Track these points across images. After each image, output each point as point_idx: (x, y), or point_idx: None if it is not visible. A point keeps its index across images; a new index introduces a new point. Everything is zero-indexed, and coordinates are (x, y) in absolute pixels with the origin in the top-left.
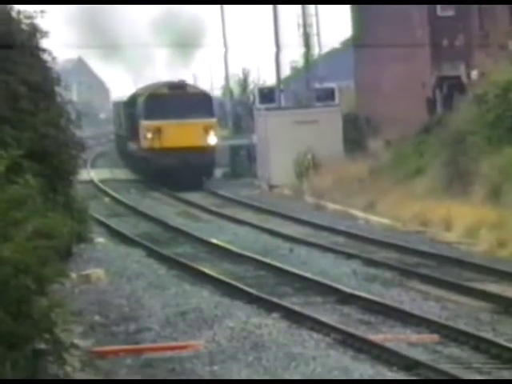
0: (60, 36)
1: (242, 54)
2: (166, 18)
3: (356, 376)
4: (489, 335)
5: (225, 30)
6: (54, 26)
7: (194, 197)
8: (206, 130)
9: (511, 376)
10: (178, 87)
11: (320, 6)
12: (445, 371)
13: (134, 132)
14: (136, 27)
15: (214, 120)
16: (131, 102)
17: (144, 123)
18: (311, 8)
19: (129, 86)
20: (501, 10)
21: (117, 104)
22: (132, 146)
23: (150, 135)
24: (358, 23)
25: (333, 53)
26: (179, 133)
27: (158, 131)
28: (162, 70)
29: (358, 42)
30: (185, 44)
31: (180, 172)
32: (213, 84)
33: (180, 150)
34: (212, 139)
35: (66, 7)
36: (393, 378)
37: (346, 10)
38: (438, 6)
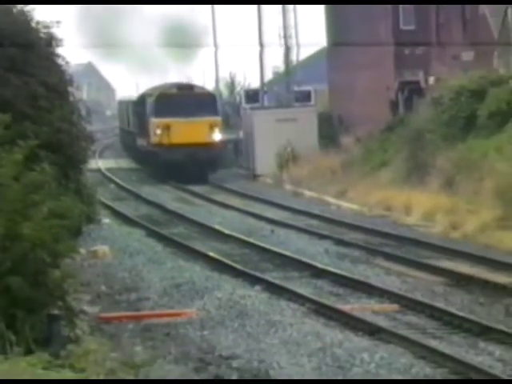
0: (72, 40)
1: (230, 60)
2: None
3: (325, 338)
4: (442, 305)
5: (216, 41)
6: (66, 31)
7: (188, 184)
8: (212, 128)
9: (460, 339)
10: (186, 88)
11: (299, 19)
12: (404, 336)
13: (143, 128)
14: (140, 30)
15: (218, 118)
16: (140, 101)
17: (154, 120)
18: (291, 20)
19: (132, 87)
20: (455, 26)
21: (122, 102)
22: (141, 141)
23: (159, 131)
24: (333, 33)
25: (309, 60)
26: (186, 130)
27: (166, 128)
28: (161, 72)
29: (332, 50)
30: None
31: (187, 166)
32: (205, 86)
33: (187, 146)
34: (217, 136)
35: (77, 12)
36: (359, 342)
37: (321, 20)
38: (401, 20)
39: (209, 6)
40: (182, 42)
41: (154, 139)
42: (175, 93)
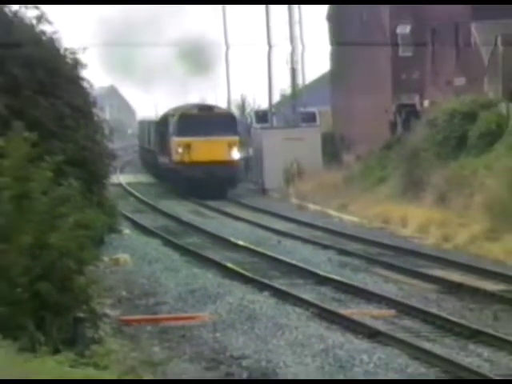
0: (96, 65)
1: (241, 83)
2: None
3: (328, 340)
4: (434, 310)
5: (228, 66)
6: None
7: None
8: (230, 146)
9: (451, 342)
10: (207, 108)
11: (307, 50)
12: (400, 339)
13: (164, 147)
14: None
15: (237, 137)
16: (163, 121)
17: (176, 139)
18: (298, 49)
19: (151, 108)
20: (449, 53)
21: (142, 122)
22: (162, 159)
23: (180, 150)
24: (336, 61)
25: (314, 84)
26: (206, 148)
27: (187, 146)
28: (175, 94)
29: (335, 76)
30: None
31: (206, 183)
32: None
33: (207, 164)
34: (235, 154)
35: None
36: (358, 344)
37: (326, 46)
38: (400, 48)
39: (222, 33)
40: (197, 64)
41: (175, 157)
42: (196, 113)
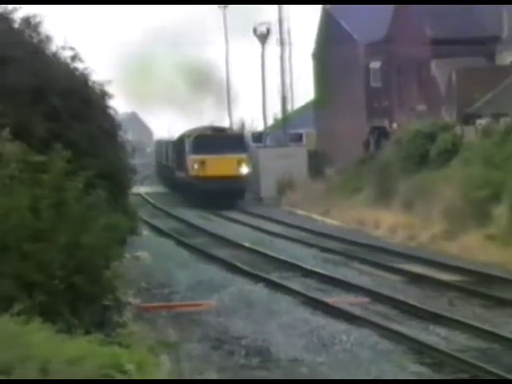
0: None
1: (240, 109)
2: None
3: (313, 323)
4: (401, 297)
5: (229, 94)
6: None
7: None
8: (239, 163)
9: (415, 323)
10: (219, 130)
11: (295, 81)
12: (372, 321)
13: (181, 164)
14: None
15: (245, 155)
16: (179, 141)
17: (192, 157)
18: (287, 80)
19: (165, 130)
20: (412, 84)
21: (160, 142)
22: (179, 174)
23: (196, 166)
24: (319, 90)
25: (301, 110)
26: (219, 165)
27: (202, 163)
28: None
29: (318, 103)
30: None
31: (219, 195)
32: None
33: (219, 178)
34: (244, 170)
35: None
36: (338, 326)
37: (310, 78)
38: (371, 79)
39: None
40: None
41: (192, 172)
42: (210, 134)
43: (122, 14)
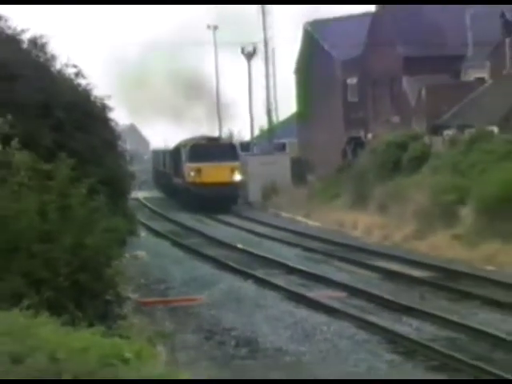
0: (119, 108)
1: (229, 121)
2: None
3: (296, 315)
4: (376, 292)
5: (220, 111)
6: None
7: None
8: (233, 171)
9: (389, 315)
10: (214, 139)
11: (279, 96)
12: (350, 314)
13: (178, 171)
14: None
15: (238, 163)
16: (176, 150)
17: (189, 165)
18: (272, 94)
19: (160, 140)
20: (386, 98)
21: (157, 151)
22: (176, 180)
23: (192, 173)
24: (301, 104)
25: (284, 122)
26: (214, 172)
27: (198, 171)
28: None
29: (301, 115)
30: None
31: (213, 200)
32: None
33: (214, 184)
34: (237, 177)
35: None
36: (318, 318)
37: (293, 93)
38: (348, 94)
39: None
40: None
41: (188, 179)
42: (205, 143)
43: (118, 28)
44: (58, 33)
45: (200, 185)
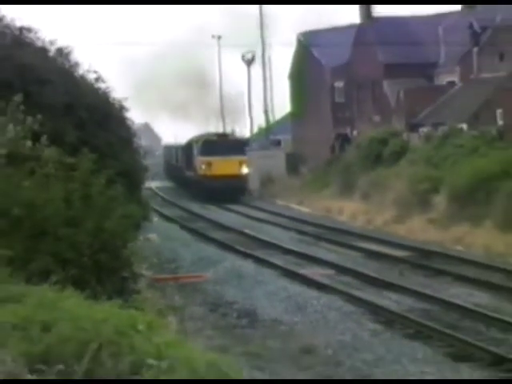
0: (133, 107)
1: (232, 122)
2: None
3: (290, 290)
4: (361, 269)
5: (223, 113)
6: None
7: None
8: (241, 164)
9: (372, 290)
10: (223, 135)
11: (275, 97)
12: (338, 289)
13: (190, 164)
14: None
15: (245, 157)
16: (188, 145)
17: (200, 158)
18: (269, 100)
19: (170, 137)
20: (369, 99)
21: (169, 147)
22: (188, 173)
23: (204, 167)
24: (295, 105)
25: (280, 120)
26: (223, 165)
27: (209, 164)
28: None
29: (294, 115)
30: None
31: (223, 191)
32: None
33: (224, 177)
34: (244, 170)
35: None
36: (309, 293)
37: (287, 95)
38: (336, 96)
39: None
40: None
41: (200, 172)
42: (216, 139)
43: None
44: (77, 38)
45: (210, 177)
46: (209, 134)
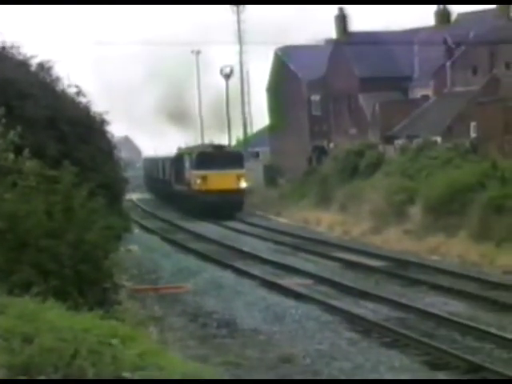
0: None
1: (210, 133)
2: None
3: (269, 300)
4: (338, 279)
5: (202, 123)
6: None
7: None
8: (239, 178)
9: (349, 299)
10: (220, 147)
11: (253, 110)
12: (316, 298)
13: (180, 178)
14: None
15: (243, 171)
16: (178, 157)
17: (194, 172)
18: (247, 111)
19: (150, 149)
20: (345, 112)
21: (147, 159)
22: (179, 187)
23: (198, 181)
24: (272, 117)
25: (258, 133)
26: (220, 179)
27: (204, 178)
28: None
29: (272, 127)
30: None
31: (219, 207)
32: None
33: (220, 192)
34: (242, 184)
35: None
36: (287, 302)
37: (265, 107)
38: (313, 109)
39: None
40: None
41: (194, 186)
42: (211, 151)
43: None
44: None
45: (206, 192)
46: (202, 146)
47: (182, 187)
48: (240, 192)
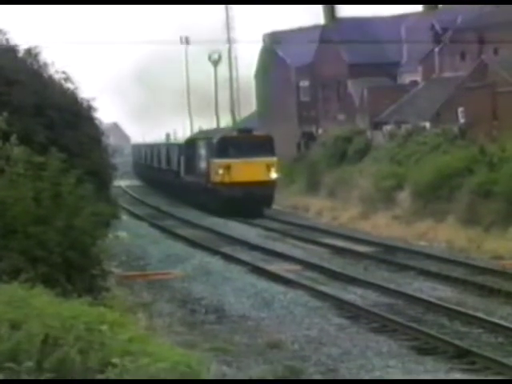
0: (102, 107)
1: (199, 122)
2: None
3: (258, 286)
4: (327, 265)
5: (191, 114)
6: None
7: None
8: (268, 167)
9: (337, 285)
10: (246, 131)
11: (241, 96)
12: (304, 284)
13: (192, 168)
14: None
15: (274, 159)
16: (190, 144)
17: (215, 161)
18: (235, 97)
19: (138, 136)
20: (333, 98)
21: (135, 146)
22: (189, 179)
23: (221, 171)
24: (261, 104)
25: (246, 119)
26: (246, 169)
27: (227, 168)
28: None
29: (261, 113)
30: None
31: (244, 202)
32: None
33: (246, 184)
34: (273, 175)
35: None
36: (276, 288)
37: (253, 94)
38: (301, 95)
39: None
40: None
41: (215, 178)
42: (236, 136)
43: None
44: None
45: (229, 185)
46: (224, 130)
47: (195, 179)
48: (270, 184)
